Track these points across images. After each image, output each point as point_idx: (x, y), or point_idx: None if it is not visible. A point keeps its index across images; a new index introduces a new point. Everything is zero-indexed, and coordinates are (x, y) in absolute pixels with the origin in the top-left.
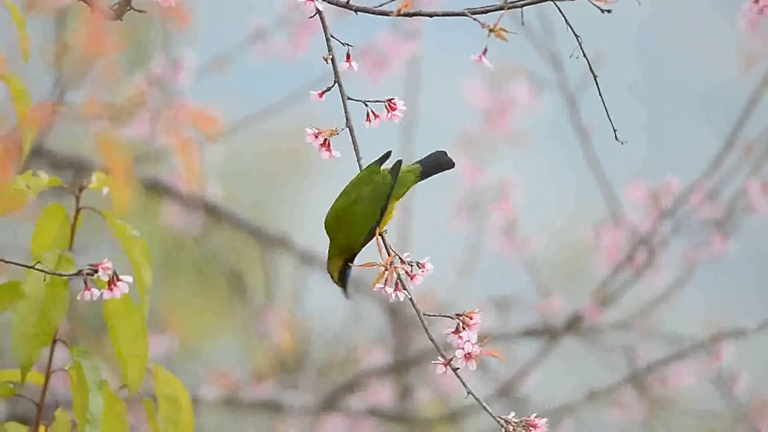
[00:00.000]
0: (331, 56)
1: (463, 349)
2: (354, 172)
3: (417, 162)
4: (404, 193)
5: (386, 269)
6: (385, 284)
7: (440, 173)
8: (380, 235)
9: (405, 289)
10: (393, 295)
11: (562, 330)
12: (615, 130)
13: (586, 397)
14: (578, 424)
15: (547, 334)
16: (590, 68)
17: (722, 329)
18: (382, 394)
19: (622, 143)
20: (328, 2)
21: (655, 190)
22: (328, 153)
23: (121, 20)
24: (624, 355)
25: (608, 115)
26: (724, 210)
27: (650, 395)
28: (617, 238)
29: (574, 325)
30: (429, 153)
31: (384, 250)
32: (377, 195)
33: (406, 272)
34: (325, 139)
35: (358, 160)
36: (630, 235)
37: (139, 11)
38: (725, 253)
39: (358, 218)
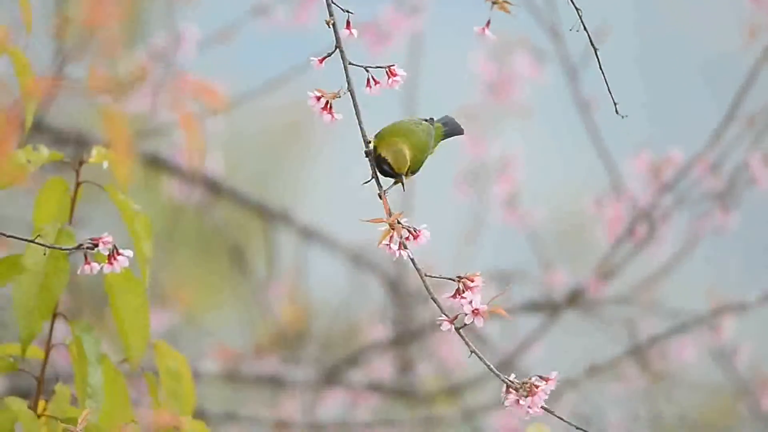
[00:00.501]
0: (332, 20)
1: (471, 304)
2: (356, 145)
3: (437, 121)
4: (434, 149)
5: (391, 227)
6: (390, 241)
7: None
8: (380, 196)
9: (407, 248)
10: (396, 254)
11: (563, 303)
12: (616, 104)
13: (588, 371)
14: (580, 397)
15: (549, 307)
16: (591, 42)
17: (724, 302)
18: (384, 368)
19: (622, 117)
20: None
21: (656, 163)
22: (329, 116)
23: None
24: (625, 329)
25: (609, 89)
26: (725, 182)
27: (652, 369)
28: (619, 211)
29: (575, 298)
30: (440, 117)
31: (388, 207)
32: (429, 133)
33: (410, 231)
34: (327, 102)
35: (360, 124)
36: (631, 208)
37: None
38: (727, 226)
39: (421, 138)
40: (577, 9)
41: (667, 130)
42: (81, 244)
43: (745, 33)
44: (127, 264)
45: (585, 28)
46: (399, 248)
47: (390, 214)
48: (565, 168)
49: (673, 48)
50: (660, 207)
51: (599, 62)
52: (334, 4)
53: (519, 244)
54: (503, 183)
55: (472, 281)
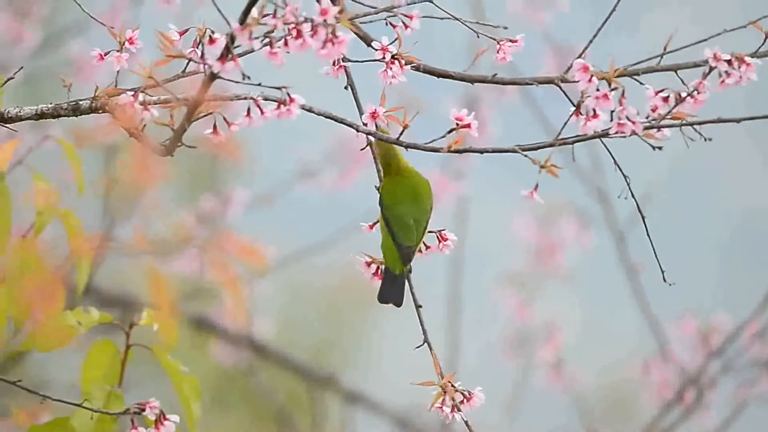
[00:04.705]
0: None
1: None
2: (409, 307)
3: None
4: None
5: (443, 390)
6: (442, 404)
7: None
8: (424, 333)
9: (460, 410)
10: (450, 417)
11: None
12: (663, 271)
13: None
14: None
15: None
16: (638, 208)
17: None
18: None
19: (670, 285)
20: (379, 139)
21: (704, 329)
22: (380, 281)
23: (172, 156)
24: None
25: (656, 257)
26: None
27: None
28: (666, 376)
29: None
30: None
31: (440, 368)
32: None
33: (463, 394)
34: (378, 267)
35: (410, 289)
36: (679, 373)
37: (190, 147)
38: None
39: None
40: (625, 176)
41: (716, 294)
42: (128, 409)
43: None
44: (173, 429)
45: (633, 195)
46: (452, 411)
47: (441, 376)
48: (612, 332)
49: (721, 214)
50: (707, 373)
51: (647, 229)
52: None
53: (564, 408)
54: (549, 347)
55: None
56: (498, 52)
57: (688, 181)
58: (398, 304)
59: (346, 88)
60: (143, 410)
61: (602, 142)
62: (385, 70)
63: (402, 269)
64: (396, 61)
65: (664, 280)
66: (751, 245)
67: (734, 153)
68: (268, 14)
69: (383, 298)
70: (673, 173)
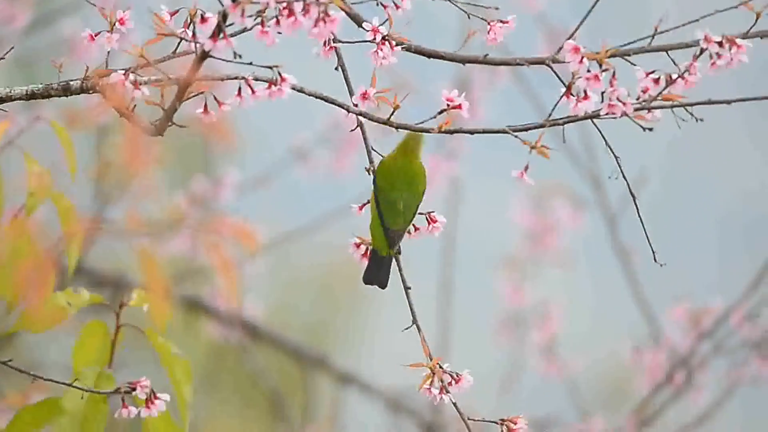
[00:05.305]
0: (372, 167)
1: None
2: (396, 289)
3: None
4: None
5: (432, 371)
6: (431, 386)
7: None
8: (413, 314)
9: (449, 392)
10: (438, 398)
11: None
12: (654, 252)
13: None
14: None
15: None
16: (629, 189)
17: None
18: None
19: (661, 265)
20: (370, 119)
21: (695, 311)
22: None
23: (162, 136)
24: None
25: (647, 237)
26: (763, 331)
27: None
28: (657, 358)
29: None
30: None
31: (428, 350)
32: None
33: (452, 376)
34: (366, 249)
35: (400, 271)
36: (670, 355)
37: (181, 126)
38: (765, 375)
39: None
40: (615, 156)
41: (706, 277)
42: (118, 388)
43: None
44: (164, 408)
45: (624, 176)
46: (440, 392)
47: (430, 358)
48: (604, 315)
49: (711, 197)
50: (698, 354)
51: (638, 210)
52: (374, 150)
53: (557, 390)
54: (542, 331)
55: (515, 423)
56: (489, 33)
57: (680, 167)
58: (382, 285)
59: (336, 69)
60: (134, 389)
61: (593, 122)
62: (376, 50)
63: (388, 251)
64: (386, 42)
65: (655, 261)
66: (745, 228)
67: (727, 137)
68: None
69: (368, 278)
70: (665, 159)
